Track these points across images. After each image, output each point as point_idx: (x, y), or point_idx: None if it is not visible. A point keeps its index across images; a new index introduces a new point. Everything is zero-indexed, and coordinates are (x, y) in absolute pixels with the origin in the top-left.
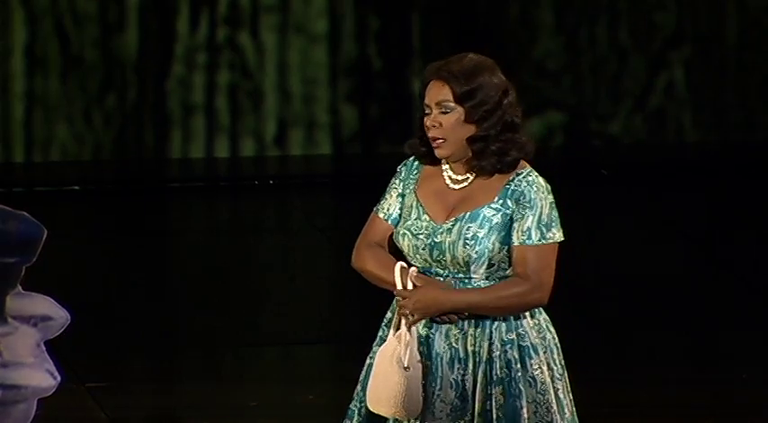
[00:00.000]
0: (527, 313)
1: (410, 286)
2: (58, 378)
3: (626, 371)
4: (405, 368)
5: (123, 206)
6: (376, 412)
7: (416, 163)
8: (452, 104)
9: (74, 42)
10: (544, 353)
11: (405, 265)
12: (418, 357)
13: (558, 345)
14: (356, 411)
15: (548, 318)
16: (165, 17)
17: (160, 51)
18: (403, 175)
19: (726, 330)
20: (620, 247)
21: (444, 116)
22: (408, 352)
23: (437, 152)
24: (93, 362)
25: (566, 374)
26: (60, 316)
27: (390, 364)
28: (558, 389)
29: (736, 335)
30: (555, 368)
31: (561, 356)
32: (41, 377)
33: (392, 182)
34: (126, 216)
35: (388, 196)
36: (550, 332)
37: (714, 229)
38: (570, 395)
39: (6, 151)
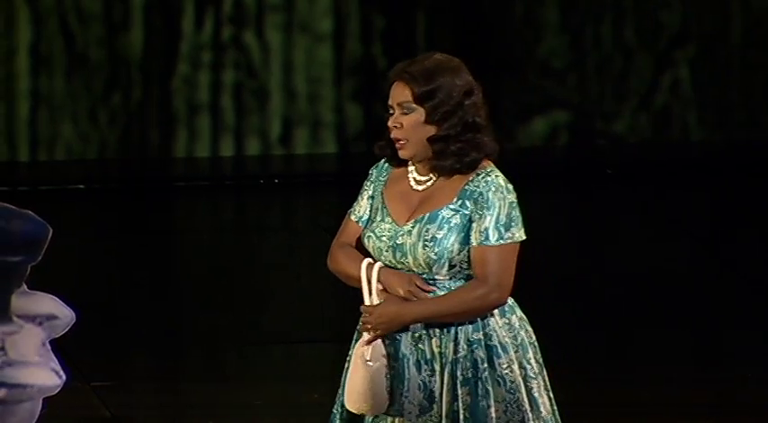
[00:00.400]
0: (495, 312)
1: (375, 300)
2: (63, 377)
3: (628, 370)
4: (367, 362)
5: (128, 205)
6: (350, 410)
7: (386, 164)
8: (413, 105)
9: (79, 41)
10: (516, 352)
11: (371, 261)
12: (383, 352)
13: (535, 343)
14: (337, 415)
15: (523, 316)
16: (171, 16)
17: (165, 50)
18: (373, 176)
19: (729, 329)
20: (625, 245)
21: (405, 117)
22: (371, 347)
23: (400, 153)
24: (98, 361)
25: (544, 373)
26: (65, 315)
27: (358, 358)
28: (531, 388)
29: (739, 334)
30: (528, 367)
31: (539, 355)
32: (47, 376)
33: (364, 184)
34: (131, 215)
35: (360, 198)
36: (525, 331)
37: (718, 227)
38: (549, 393)
39: (11, 150)
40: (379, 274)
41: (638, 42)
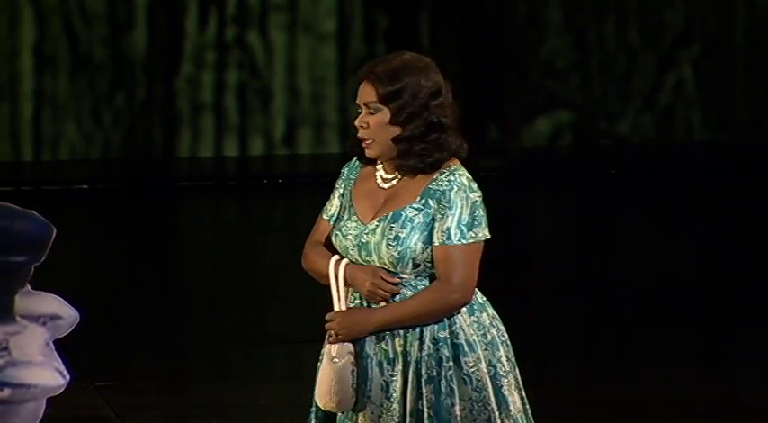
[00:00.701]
0: (462, 310)
1: (343, 304)
2: (67, 377)
3: (631, 370)
4: (333, 359)
5: (132, 205)
6: (321, 407)
7: (357, 163)
8: (378, 105)
9: (83, 41)
10: (484, 350)
11: (339, 258)
12: (350, 349)
13: (508, 342)
14: (312, 414)
15: (495, 315)
16: (174, 16)
17: (169, 50)
18: (345, 175)
19: (732, 330)
20: (628, 245)
21: (371, 117)
22: (338, 345)
23: (366, 152)
24: (101, 361)
25: (516, 372)
26: (69, 315)
27: (326, 356)
28: (501, 386)
29: (742, 335)
30: (498, 365)
31: (511, 354)
32: (50, 376)
33: (336, 182)
34: (134, 215)
35: (331, 197)
36: (497, 329)
37: (722, 228)
38: (522, 392)
39: (15, 150)
40: (345, 271)
41: (641, 43)
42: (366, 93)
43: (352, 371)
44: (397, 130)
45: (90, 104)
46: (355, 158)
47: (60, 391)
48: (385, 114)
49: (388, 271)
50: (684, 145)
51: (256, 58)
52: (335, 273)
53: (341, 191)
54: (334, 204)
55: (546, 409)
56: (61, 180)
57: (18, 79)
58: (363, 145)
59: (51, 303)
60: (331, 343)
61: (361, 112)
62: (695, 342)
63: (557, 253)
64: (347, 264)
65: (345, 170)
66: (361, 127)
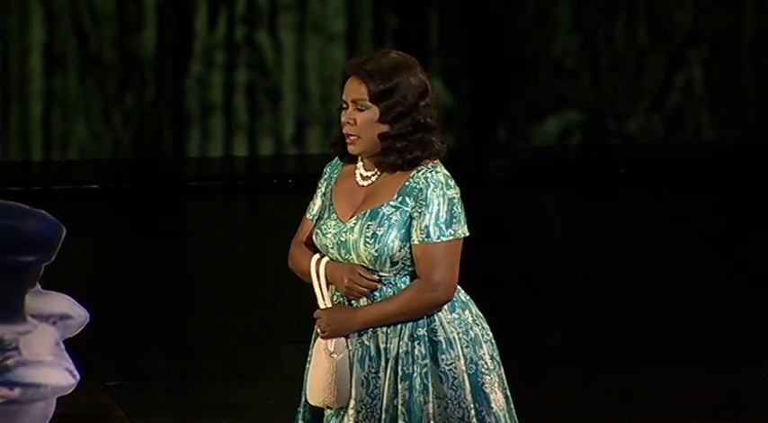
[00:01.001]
0: (444, 308)
1: (328, 302)
2: (77, 376)
3: (637, 370)
4: (331, 354)
5: (141, 205)
6: (315, 405)
7: (338, 162)
8: (368, 103)
9: (92, 41)
10: (466, 347)
11: (320, 256)
12: (345, 344)
13: (492, 341)
14: (299, 415)
15: (479, 313)
16: (184, 16)
17: (178, 50)
18: (327, 174)
19: (740, 330)
20: (636, 245)
21: (359, 113)
22: (335, 340)
23: (350, 148)
24: (111, 360)
25: (500, 370)
26: (79, 314)
27: (320, 353)
28: (483, 384)
29: (750, 335)
30: (480, 363)
31: (495, 352)
32: (60, 375)
33: (319, 182)
34: (144, 215)
35: (314, 197)
36: (480, 327)
37: (730, 227)
38: (506, 392)
39: (25, 150)
40: (325, 269)
41: (650, 42)
42: (355, 89)
43: (350, 365)
44: (384, 128)
45: (99, 104)
46: (337, 157)
47: (70, 391)
48: (374, 112)
49: (367, 269)
50: (693, 145)
51: (266, 57)
52: (317, 271)
53: (322, 190)
54: (317, 204)
55: (551, 409)
56: (71, 180)
57: (28, 79)
58: (348, 141)
59: (61, 303)
60: (324, 339)
61: (346, 108)
62: (702, 342)
63: (565, 252)
64: (327, 262)
65: (328, 169)
66: (348, 123)
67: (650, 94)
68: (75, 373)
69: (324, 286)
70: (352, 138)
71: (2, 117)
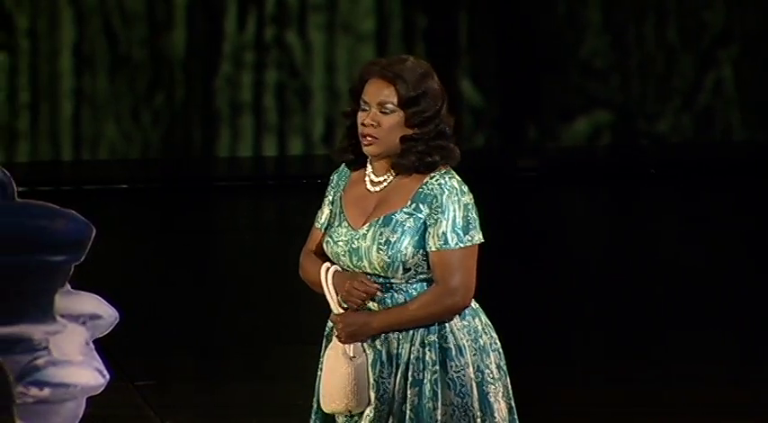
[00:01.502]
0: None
1: (341, 310)
2: (107, 376)
3: (663, 370)
4: (351, 358)
5: (170, 205)
6: (331, 412)
7: (346, 169)
8: (394, 107)
9: (122, 41)
10: (473, 355)
11: (329, 265)
12: (362, 348)
13: (500, 350)
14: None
15: (488, 322)
16: (213, 16)
17: (208, 50)
18: (334, 182)
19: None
20: (666, 245)
21: (384, 117)
22: (353, 344)
23: (367, 149)
24: (141, 360)
25: (505, 380)
26: (109, 314)
27: (337, 359)
28: (487, 393)
29: None
30: (487, 372)
31: (502, 362)
32: (90, 375)
33: (326, 190)
34: (173, 215)
35: (322, 206)
36: (489, 336)
37: (760, 227)
38: (510, 402)
39: (55, 149)
40: (333, 278)
41: (680, 42)
42: (381, 91)
43: (367, 368)
44: (406, 131)
45: (129, 104)
46: (344, 164)
47: (100, 391)
48: (399, 116)
49: (378, 276)
50: (723, 145)
51: (295, 57)
52: (326, 279)
53: (330, 198)
54: (324, 213)
55: (576, 409)
56: (100, 179)
57: (58, 79)
58: (365, 141)
59: (91, 303)
60: (343, 343)
61: (366, 110)
62: (730, 342)
63: (593, 252)
64: (335, 271)
65: (335, 177)
66: (371, 125)
67: (680, 94)
68: (105, 372)
69: (334, 294)
70: (370, 139)
71: (32, 117)
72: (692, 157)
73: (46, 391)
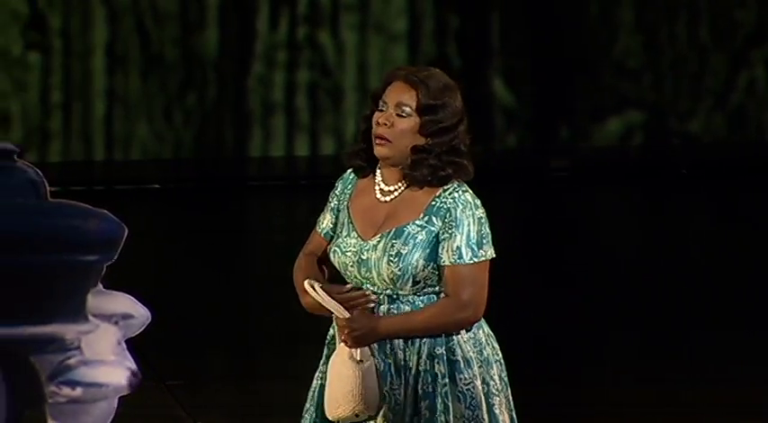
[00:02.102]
0: None
1: (346, 313)
2: (139, 376)
3: (686, 370)
4: (358, 361)
5: (202, 204)
6: (336, 419)
7: (352, 176)
8: (411, 111)
9: (154, 41)
10: (479, 367)
11: (311, 281)
12: (370, 351)
13: (501, 361)
14: None
15: (491, 333)
16: (246, 16)
17: (240, 50)
18: (338, 189)
19: None
20: (698, 245)
21: (400, 119)
22: (360, 348)
23: (378, 149)
24: (172, 360)
25: (507, 392)
26: (141, 314)
27: (343, 363)
28: (493, 405)
29: None
30: (491, 383)
31: (504, 373)
32: (122, 375)
33: (330, 196)
34: (205, 214)
35: (325, 211)
36: (491, 347)
37: None
38: (512, 413)
39: (87, 149)
40: (322, 289)
41: (713, 41)
42: (402, 94)
43: (376, 372)
44: (418, 140)
45: (161, 104)
46: (350, 171)
47: (132, 390)
48: (414, 122)
49: (386, 288)
50: (756, 144)
51: (327, 57)
52: (317, 293)
53: (333, 205)
54: (327, 218)
55: (607, 409)
56: (133, 179)
57: (90, 78)
58: (377, 142)
59: (123, 302)
60: (351, 347)
61: (383, 111)
62: (762, 343)
63: (625, 251)
64: (320, 287)
65: (339, 184)
66: (385, 125)
67: (713, 93)
68: (137, 372)
69: (332, 301)
70: (384, 140)
71: (64, 116)
72: (725, 157)
73: (78, 391)
